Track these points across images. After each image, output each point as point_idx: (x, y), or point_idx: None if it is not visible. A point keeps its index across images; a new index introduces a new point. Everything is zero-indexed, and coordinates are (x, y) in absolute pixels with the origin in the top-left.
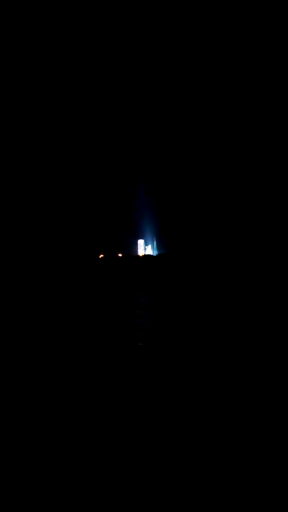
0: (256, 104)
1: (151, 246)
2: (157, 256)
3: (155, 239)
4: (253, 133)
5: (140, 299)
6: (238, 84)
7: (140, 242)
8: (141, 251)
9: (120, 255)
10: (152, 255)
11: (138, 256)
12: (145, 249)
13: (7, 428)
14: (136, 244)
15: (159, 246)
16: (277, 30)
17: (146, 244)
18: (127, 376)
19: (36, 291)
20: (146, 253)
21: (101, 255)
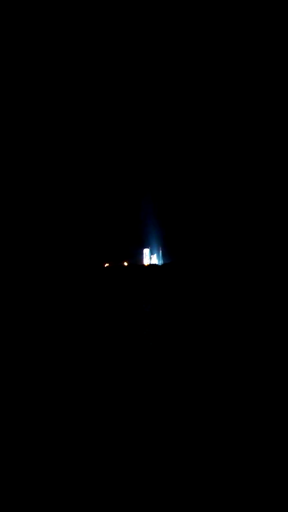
0: (263, 114)
1: (157, 255)
2: (162, 265)
3: (160, 249)
4: (259, 141)
5: (144, 308)
6: (243, 93)
7: (146, 251)
8: (146, 261)
9: (125, 264)
10: (157, 265)
11: (143, 265)
12: (150, 258)
13: (8, 425)
14: (141, 253)
15: (164, 255)
16: (277, 30)
17: (151, 253)
18: (128, 376)
19: (40, 299)
20: (152, 263)
21: (106, 264)
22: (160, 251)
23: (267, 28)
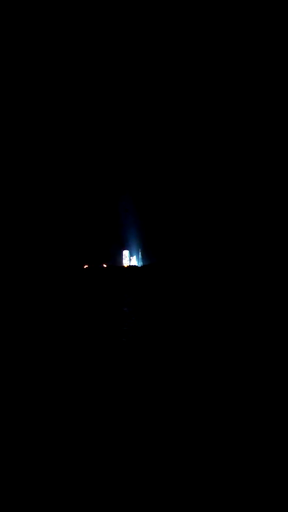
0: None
1: (136, 257)
2: (142, 267)
3: (140, 250)
4: (240, 143)
5: (124, 310)
6: (222, 99)
7: (125, 253)
8: (126, 262)
9: (105, 265)
10: (137, 266)
11: (123, 267)
12: (130, 260)
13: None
14: (121, 255)
15: (144, 257)
16: (277, 30)
17: (131, 255)
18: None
19: (19, 301)
20: (131, 264)
21: (86, 266)
22: (140, 253)
23: (267, 28)
